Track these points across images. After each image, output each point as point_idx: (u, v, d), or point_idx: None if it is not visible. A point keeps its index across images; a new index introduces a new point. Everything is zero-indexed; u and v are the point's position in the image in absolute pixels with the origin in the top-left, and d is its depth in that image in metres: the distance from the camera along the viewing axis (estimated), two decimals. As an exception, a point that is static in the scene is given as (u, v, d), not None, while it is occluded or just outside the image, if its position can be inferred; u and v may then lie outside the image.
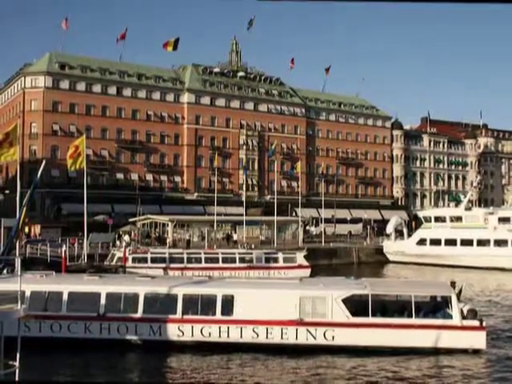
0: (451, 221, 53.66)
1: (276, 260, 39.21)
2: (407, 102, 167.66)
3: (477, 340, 18.52)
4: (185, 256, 37.69)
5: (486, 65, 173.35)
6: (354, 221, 73.87)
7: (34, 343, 15.89)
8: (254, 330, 18.70)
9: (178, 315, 18.92)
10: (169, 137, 76.76)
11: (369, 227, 65.17)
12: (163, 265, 36.34)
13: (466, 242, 50.59)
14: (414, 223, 67.35)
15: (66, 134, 68.19)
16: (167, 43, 65.42)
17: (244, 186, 69.54)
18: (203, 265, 36.96)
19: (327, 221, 64.61)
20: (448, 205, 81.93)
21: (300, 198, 63.61)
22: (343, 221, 71.14)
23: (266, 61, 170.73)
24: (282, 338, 18.67)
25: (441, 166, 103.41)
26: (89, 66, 73.10)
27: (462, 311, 18.87)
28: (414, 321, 18.60)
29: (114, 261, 36.34)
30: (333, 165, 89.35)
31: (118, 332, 18.92)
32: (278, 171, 76.16)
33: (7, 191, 59.57)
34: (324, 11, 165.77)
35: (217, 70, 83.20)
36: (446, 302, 19.22)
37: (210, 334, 18.81)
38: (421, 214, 59.94)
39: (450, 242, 51.44)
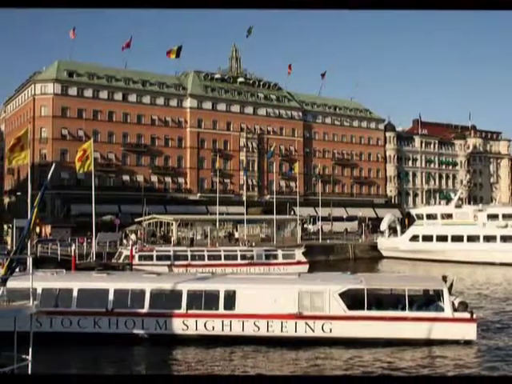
0: (442, 218, 54.42)
1: (276, 257, 39.88)
2: (399, 105, 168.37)
3: (468, 331, 18.95)
4: (189, 254, 38.39)
5: (474, 69, 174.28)
6: (350, 219, 74.57)
7: (45, 338, 16.24)
8: (255, 324, 19.11)
9: (183, 310, 19.34)
10: (172, 140, 77.67)
11: (364, 225, 65.50)
12: (168, 262, 36.95)
13: (457, 238, 51.37)
14: (406, 221, 67.99)
15: (75, 138, 69.12)
16: (170, 51, 66.61)
17: (244, 186, 70.53)
18: (206, 262, 37.49)
19: (324, 219, 65.33)
20: (439, 203, 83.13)
21: (298, 197, 64.30)
22: (339, 219, 71.88)
23: (265, 67, 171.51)
24: (281, 331, 19.08)
25: (432, 165, 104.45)
26: (96, 73, 73.98)
27: (453, 304, 19.27)
28: (407, 313, 19.00)
29: (122, 259, 37.12)
30: (329, 165, 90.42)
31: (126, 326, 19.32)
32: (276, 172, 77.22)
33: (19, 193, 60.44)
34: (320, 19, 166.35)
35: (218, 76, 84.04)
36: (438, 295, 19.59)
37: (213, 327, 19.23)
38: (413, 212, 60.91)
39: (442, 238, 52.23)
